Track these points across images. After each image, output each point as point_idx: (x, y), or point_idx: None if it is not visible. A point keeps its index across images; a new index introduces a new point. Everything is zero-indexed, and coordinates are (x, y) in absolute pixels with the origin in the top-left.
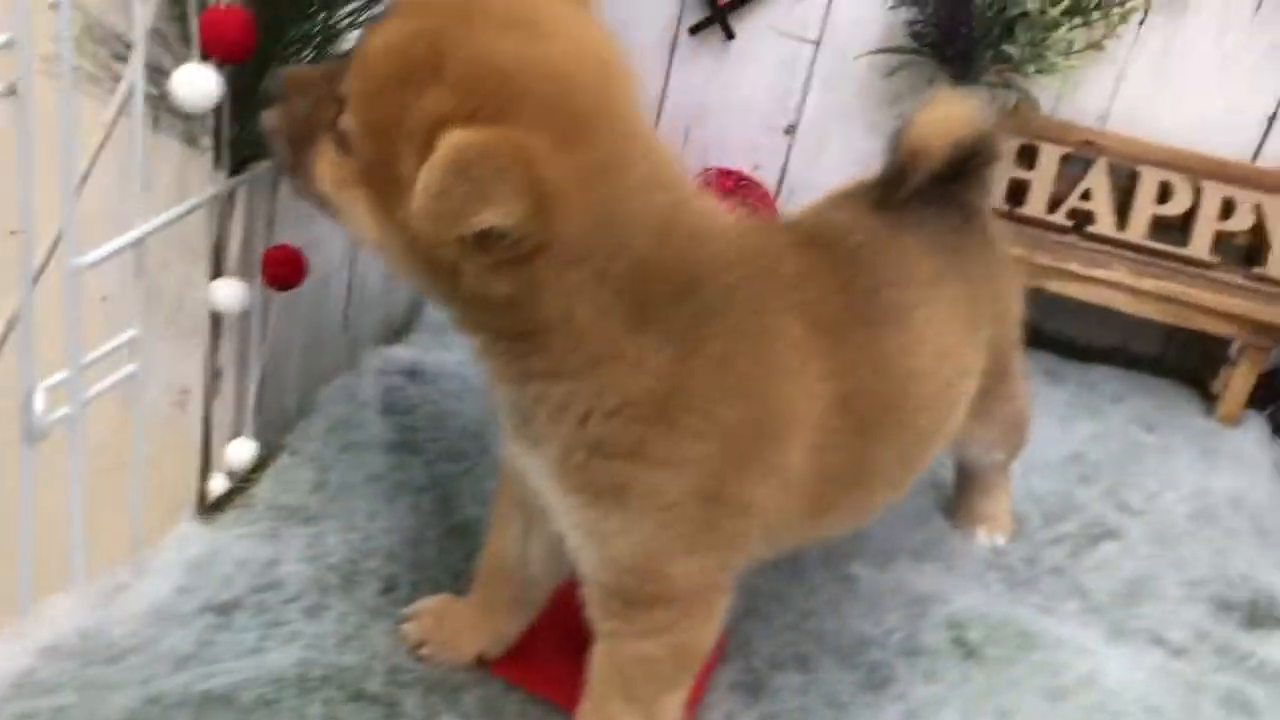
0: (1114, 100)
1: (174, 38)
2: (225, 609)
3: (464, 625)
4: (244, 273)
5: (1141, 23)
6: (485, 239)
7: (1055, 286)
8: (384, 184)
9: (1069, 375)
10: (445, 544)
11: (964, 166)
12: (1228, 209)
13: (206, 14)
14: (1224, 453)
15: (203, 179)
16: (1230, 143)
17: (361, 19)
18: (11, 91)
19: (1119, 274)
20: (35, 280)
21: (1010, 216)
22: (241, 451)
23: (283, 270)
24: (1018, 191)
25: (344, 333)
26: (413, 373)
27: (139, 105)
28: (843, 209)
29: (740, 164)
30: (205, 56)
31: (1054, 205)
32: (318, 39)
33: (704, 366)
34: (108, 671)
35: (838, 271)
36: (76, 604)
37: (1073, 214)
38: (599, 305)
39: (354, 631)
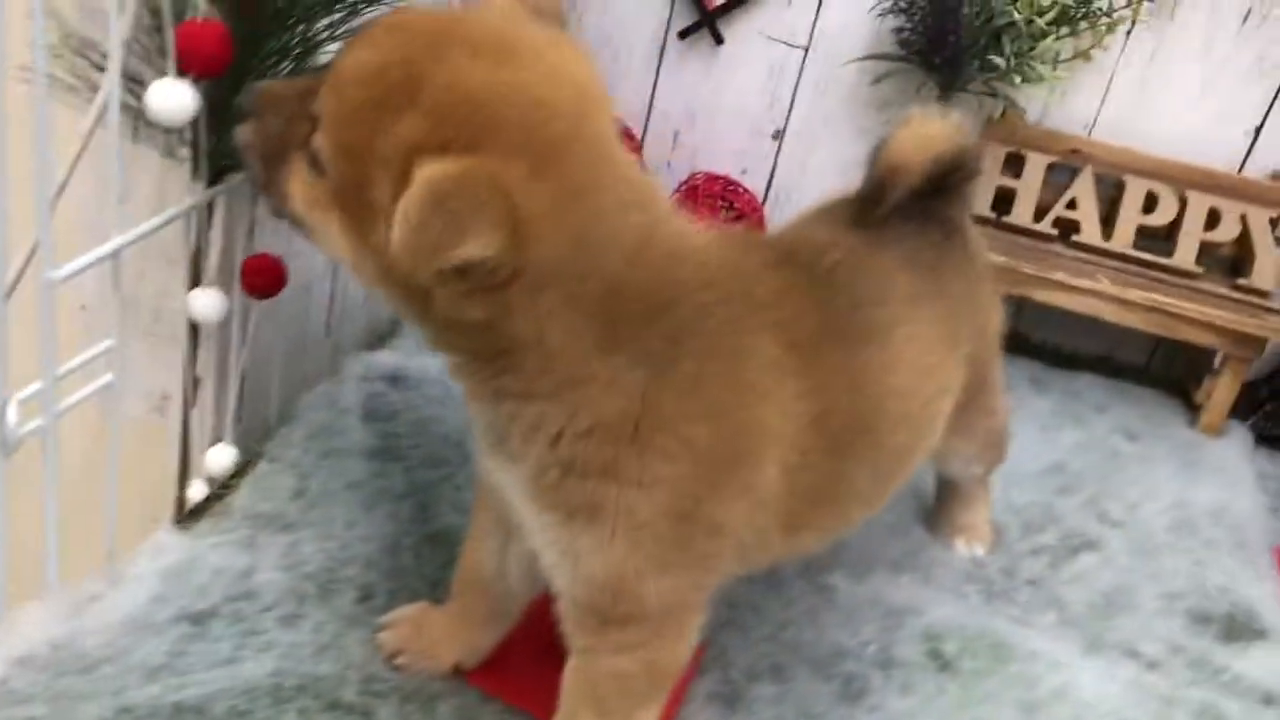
0: (1101, 110)
1: (152, 50)
2: (200, 618)
3: (441, 635)
4: (223, 282)
5: (1129, 33)
6: (461, 268)
7: (1041, 295)
8: (357, 208)
9: (1054, 384)
10: (423, 552)
11: (944, 182)
12: (1213, 219)
13: (183, 27)
14: (1206, 463)
15: (181, 190)
16: (1216, 153)
17: (339, 32)
18: None
19: (1104, 283)
20: (9, 293)
21: (996, 225)
22: (221, 458)
23: (262, 279)
24: (1004, 200)
25: (327, 339)
26: (395, 378)
27: (115, 117)
28: (821, 226)
29: (728, 169)
30: (182, 70)
31: (1040, 214)
32: (296, 51)
33: (677, 386)
34: (79, 682)
35: (815, 290)
36: (49, 614)
37: (1058, 223)
38: (571, 328)
39: (330, 641)
